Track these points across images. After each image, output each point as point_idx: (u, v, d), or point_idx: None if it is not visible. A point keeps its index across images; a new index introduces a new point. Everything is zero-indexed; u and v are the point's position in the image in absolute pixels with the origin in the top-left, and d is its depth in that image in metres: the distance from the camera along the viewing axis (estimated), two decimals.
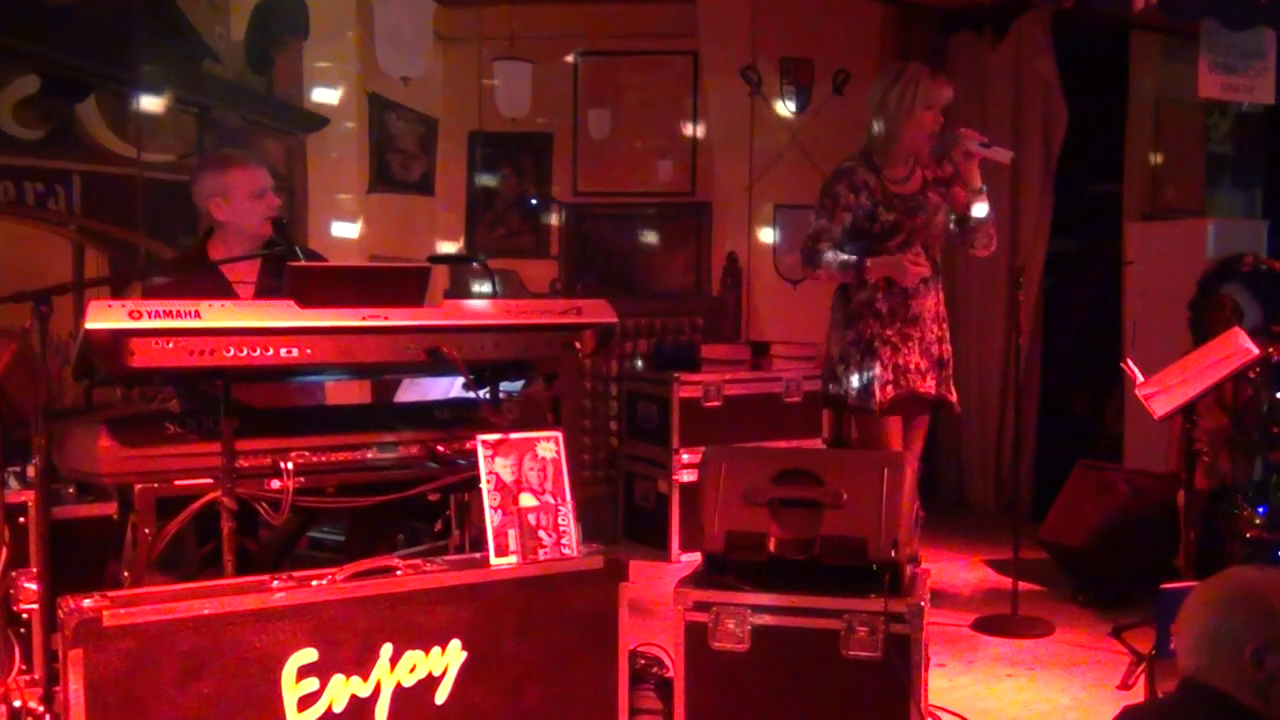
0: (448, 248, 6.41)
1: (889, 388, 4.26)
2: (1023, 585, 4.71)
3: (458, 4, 6.22)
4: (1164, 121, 6.96)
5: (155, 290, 3.79)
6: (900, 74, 4.31)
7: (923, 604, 3.17)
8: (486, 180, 6.63)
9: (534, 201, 6.60)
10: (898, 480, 3.23)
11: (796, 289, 6.83)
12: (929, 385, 4.34)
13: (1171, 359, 4.23)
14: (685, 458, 5.61)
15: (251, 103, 5.62)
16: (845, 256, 4.29)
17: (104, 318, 2.62)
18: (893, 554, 3.16)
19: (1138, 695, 3.79)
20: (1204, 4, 5.40)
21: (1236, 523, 4.56)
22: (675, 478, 5.65)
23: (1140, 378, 4.13)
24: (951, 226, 4.43)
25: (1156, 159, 6.97)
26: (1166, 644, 3.13)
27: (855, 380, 4.30)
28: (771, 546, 3.22)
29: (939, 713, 3.61)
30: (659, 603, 4.35)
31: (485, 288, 5.12)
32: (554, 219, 6.69)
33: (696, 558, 3.45)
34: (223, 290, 3.69)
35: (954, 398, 4.45)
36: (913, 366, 4.31)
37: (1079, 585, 5.06)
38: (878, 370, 4.26)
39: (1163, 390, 4.03)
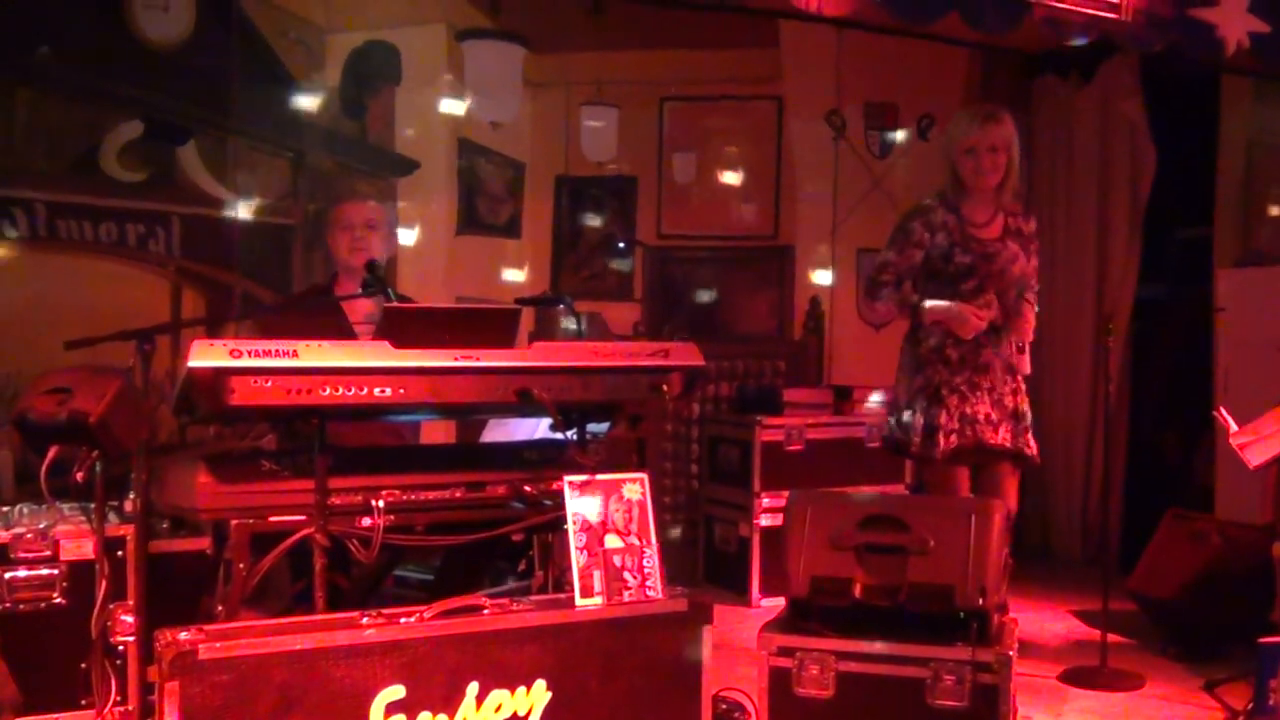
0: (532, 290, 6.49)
1: (953, 436, 4.16)
2: (1111, 637, 4.61)
3: (546, 51, 6.32)
4: (1256, 165, 6.85)
5: (272, 324, 3.91)
6: (955, 117, 4.33)
7: (1011, 654, 3.13)
8: (572, 223, 6.71)
9: (622, 244, 6.66)
10: (986, 527, 3.20)
11: (879, 333, 6.80)
12: (1001, 437, 4.21)
13: (1264, 408, 4.15)
14: (766, 501, 5.59)
15: (345, 147, 5.76)
16: (906, 294, 4.25)
17: (206, 356, 2.69)
18: (980, 602, 3.12)
19: None
20: None
21: None
22: (756, 521, 5.63)
23: (1234, 427, 4.05)
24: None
25: (1248, 203, 6.86)
26: (1265, 699, 3.07)
27: (920, 426, 4.23)
28: (857, 592, 3.20)
29: None
30: (739, 647, 4.33)
31: (570, 329, 5.18)
32: (638, 261, 6.74)
33: (777, 603, 3.44)
34: (342, 329, 3.80)
35: (1031, 450, 4.30)
36: (982, 416, 4.19)
37: (1169, 638, 4.95)
38: (943, 419, 4.18)
39: (1258, 439, 3.95)
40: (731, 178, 6.91)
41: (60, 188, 4.75)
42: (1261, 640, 3.28)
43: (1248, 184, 6.77)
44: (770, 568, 5.51)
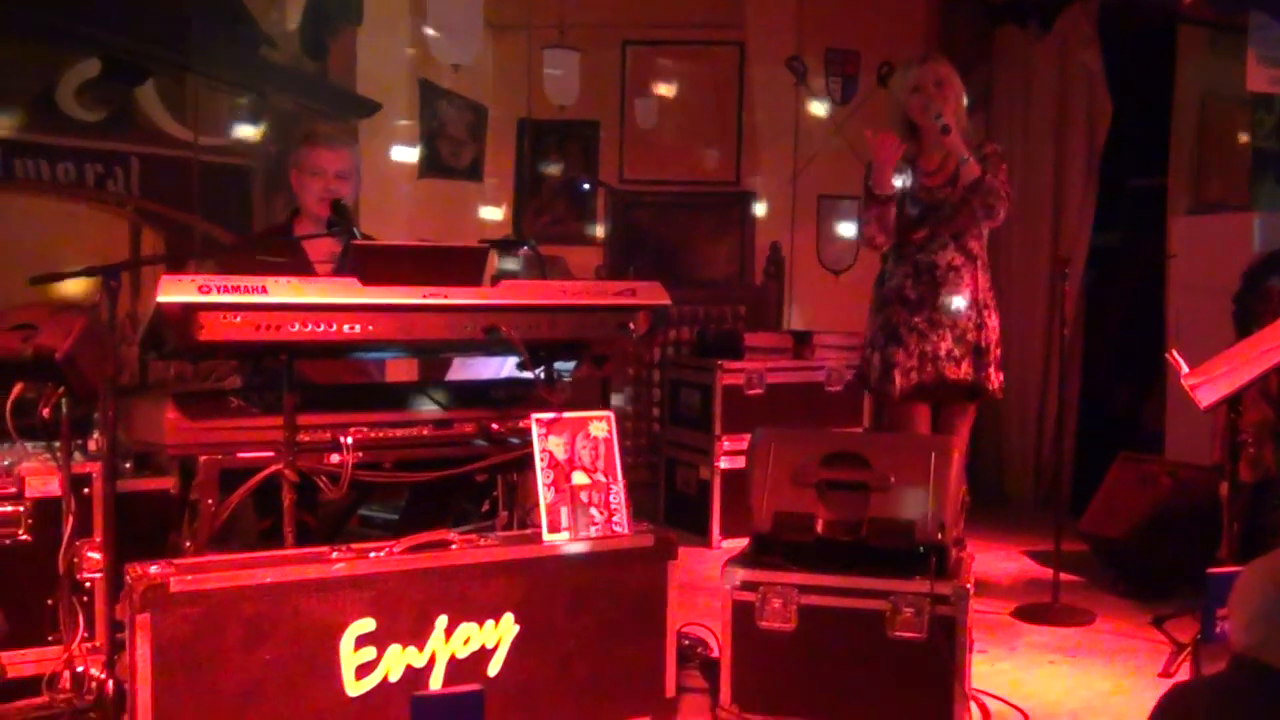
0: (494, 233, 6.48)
1: (913, 374, 4.34)
2: (1063, 576, 4.71)
3: None
4: (1209, 115, 6.92)
5: (232, 263, 3.85)
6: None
7: (968, 587, 3.20)
8: (535, 167, 6.69)
9: (586, 186, 6.65)
10: (945, 464, 3.26)
11: (839, 279, 6.87)
12: (963, 371, 4.37)
13: (1214, 352, 4.22)
14: (727, 445, 5.64)
15: (306, 88, 5.70)
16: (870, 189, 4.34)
17: (175, 291, 2.69)
18: (939, 536, 3.19)
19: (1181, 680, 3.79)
20: None
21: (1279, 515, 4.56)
22: (717, 464, 5.69)
23: (1185, 368, 4.12)
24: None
25: (1201, 154, 6.94)
26: (1212, 628, 3.16)
27: (879, 364, 4.39)
28: (819, 527, 3.26)
29: (981, 696, 3.63)
30: (700, 588, 4.40)
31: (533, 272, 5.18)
32: (600, 206, 6.74)
33: (737, 544, 3.49)
34: (302, 268, 3.78)
35: (993, 385, 4.46)
36: (944, 353, 4.35)
37: (1119, 576, 5.06)
38: (900, 357, 4.34)
39: (1208, 380, 4.02)
40: (693, 123, 6.91)
41: (17, 127, 4.69)
42: (1211, 570, 3.36)
43: (1201, 134, 6.85)
44: (731, 510, 5.57)
